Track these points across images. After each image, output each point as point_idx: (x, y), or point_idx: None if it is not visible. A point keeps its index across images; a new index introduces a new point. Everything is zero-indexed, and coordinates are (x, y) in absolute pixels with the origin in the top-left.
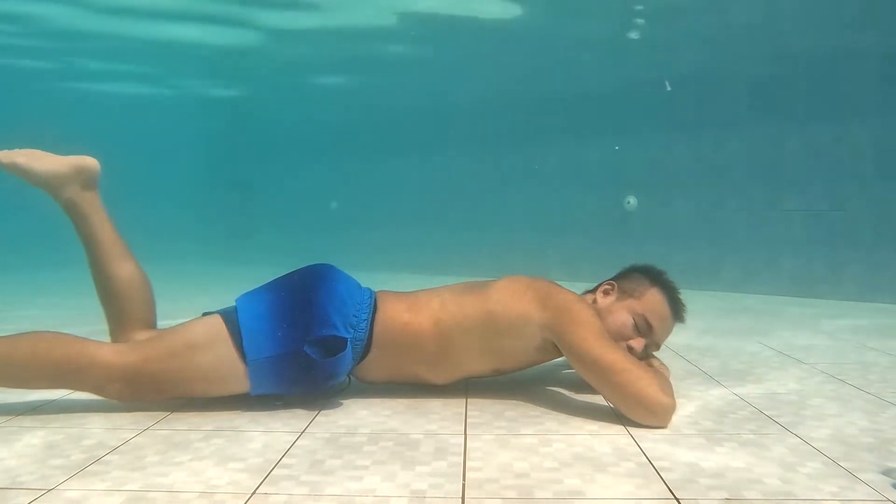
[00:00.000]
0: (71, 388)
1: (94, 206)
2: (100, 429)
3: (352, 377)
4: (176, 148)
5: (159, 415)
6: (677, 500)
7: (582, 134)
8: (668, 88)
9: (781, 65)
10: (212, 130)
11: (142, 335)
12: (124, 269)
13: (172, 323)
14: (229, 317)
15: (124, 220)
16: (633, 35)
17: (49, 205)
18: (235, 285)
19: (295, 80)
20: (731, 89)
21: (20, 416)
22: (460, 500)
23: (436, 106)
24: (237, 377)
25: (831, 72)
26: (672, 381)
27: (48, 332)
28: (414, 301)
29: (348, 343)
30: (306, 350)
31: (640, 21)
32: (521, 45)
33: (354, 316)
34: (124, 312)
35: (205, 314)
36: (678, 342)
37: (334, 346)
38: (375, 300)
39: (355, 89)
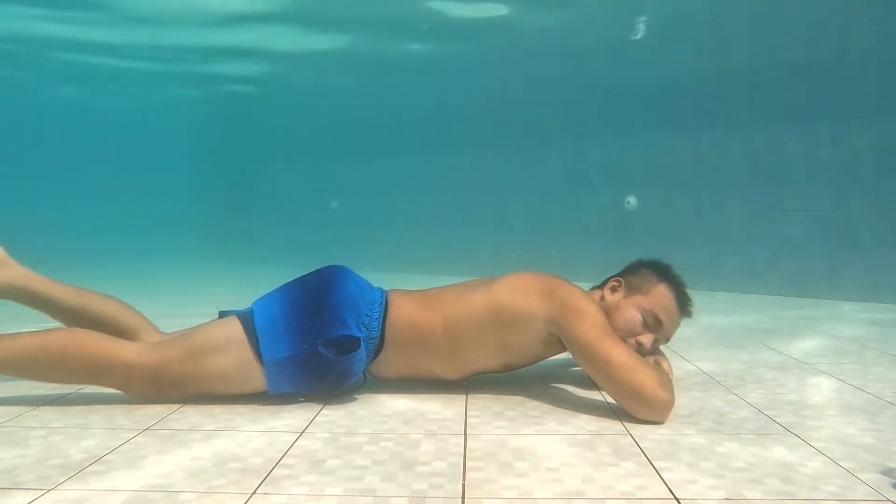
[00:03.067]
0: (97, 384)
1: (23, 278)
2: (100, 429)
3: (367, 375)
4: (176, 147)
5: (159, 415)
6: (677, 500)
7: (582, 134)
8: None
9: (781, 65)
10: (212, 129)
11: (153, 337)
12: (89, 303)
13: (187, 322)
14: (246, 319)
15: (125, 218)
16: (637, 35)
17: (48, 204)
18: (239, 283)
19: (296, 78)
20: (731, 89)
21: (20, 417)
22: (460, 500)
23: (437, 105)
24: (255, 378)
25: (831, 72)
26: (672, 380)
27: (78, 329)
28: (424, 299)
29: (361, 342)
30: (321, 350)
31: (641, 21)
32: (521, 45)
33: (367, 315)
34: (118, 332)
35: (221, 313)
36: (678, 342)
37: (348, 345)
38: (387, 299)
39: (358, 88)
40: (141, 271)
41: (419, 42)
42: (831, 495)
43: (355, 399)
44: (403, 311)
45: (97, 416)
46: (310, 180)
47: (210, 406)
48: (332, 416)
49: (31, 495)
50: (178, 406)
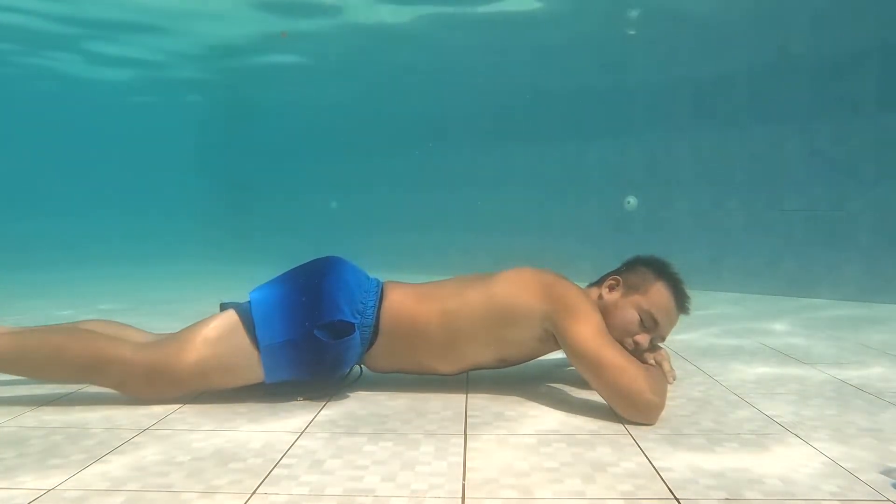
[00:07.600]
0: (93, 383)
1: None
2: (100, 429)
3: (362, 367)
4: (176, 147)
5: (159, 415)
6: (677, 500)
7: (582, 134)
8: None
9: (781, 65)
10: (213, 129)
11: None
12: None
13: (187, 322)
14: (243, 309)
15: (124, 221)
16: (630, 31)
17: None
18: (239, 284)
19: (296, 78)
20: (731, 89)
21: (20, 416)
22: (460, 500)
23: (436, 105)
24: (252, 365)
25: (831, 72)
26: (673, 376)
27: (77, 327)
28: (421, 290)
29: (356, 327)
30: (316, 334)
31: (634, 14)
32: (521, 45)
33: (362, 303)
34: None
35: (222, 304)
36: (678, 342)
37: (343, 330)
38: (383, 289)
39: (357, 88)
40: (141, 273)
41: (418, 40)
42: (831, 495)
43: (355, 399)
44: (399, 301)
45: (97, 416)
46: (309, 180)
47: (210, 406)
48: (332, 416)
49: (31, 495)
50: (177, 406)
